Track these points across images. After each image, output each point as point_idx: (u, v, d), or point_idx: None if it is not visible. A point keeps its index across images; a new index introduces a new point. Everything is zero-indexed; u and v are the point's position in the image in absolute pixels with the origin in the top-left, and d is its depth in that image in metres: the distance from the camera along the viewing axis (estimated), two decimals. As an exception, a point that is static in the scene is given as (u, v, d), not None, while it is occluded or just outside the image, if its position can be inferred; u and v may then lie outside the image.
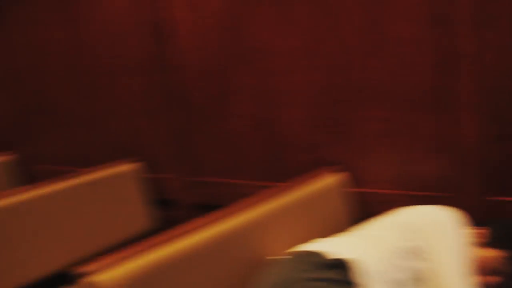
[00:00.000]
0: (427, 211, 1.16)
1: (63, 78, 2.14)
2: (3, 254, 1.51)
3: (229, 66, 1.67)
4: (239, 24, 1.61)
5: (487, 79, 1.24)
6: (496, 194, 1.30)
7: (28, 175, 2.35)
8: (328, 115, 1.51)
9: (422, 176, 1.39)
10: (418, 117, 1.35)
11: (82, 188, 1.76)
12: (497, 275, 1.08)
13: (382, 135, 1.42)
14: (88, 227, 1.75)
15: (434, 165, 1.36)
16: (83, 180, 1.77)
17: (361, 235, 1.17)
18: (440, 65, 1.29)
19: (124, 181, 1.87)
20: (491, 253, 1.10)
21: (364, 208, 1.48)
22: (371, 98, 1.42)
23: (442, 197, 1.34)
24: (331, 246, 1.05)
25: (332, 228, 1.33)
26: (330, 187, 1.43)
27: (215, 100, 1.74)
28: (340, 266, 0.99)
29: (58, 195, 1.69)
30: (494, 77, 1.23)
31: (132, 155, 1.96)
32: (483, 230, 1.15)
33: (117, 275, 0.87)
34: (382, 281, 1.01)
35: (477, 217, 1.21)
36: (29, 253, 1.58)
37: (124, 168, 1.88)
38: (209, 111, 1.76)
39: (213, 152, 1.80)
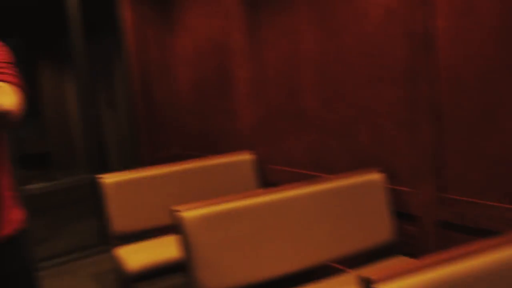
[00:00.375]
0: None
1: (311, 86, 2.29)
2: (247, 250, 1.70)
3: (499, 78, 1.54)
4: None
5: None
6: None
7: (264, 175, 2.62)
8: None
9: None
10: None
11: (326, 194, 1.85)
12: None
13: None
14: (327, 233, 1.82)
15: None
16: (327, 186, 1.87)
17: None
18: None
19: (368, 190, 1.89)
20: None
21: None
22: None
23: None
24: None
25: None
26: None
27: (478, 114, 1.61)
28: None
29: (302, 198, 1.81)
30: None
31: (374, 165, 1.97)
32: None
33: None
34: None
35: None
36: (267, 252, 1.73)
37: (368, 177, 1.91)
38: (469, 125, 1.65)
39: (468, 170, 1.68)
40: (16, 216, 1.36)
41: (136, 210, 2.47)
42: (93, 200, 3.29)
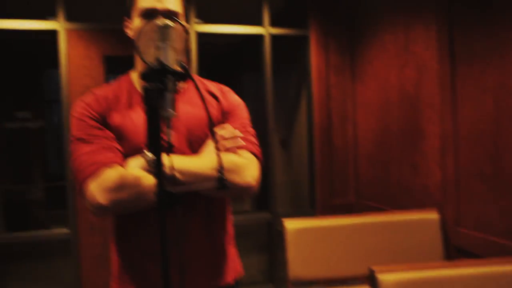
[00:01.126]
0: None
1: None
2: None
3: None
4: None
5: None
6: None
7: (449, 237, 2.41)
8: None
9: None
10: None
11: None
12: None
13: None
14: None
15: None
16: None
17: None
18: None
19: None
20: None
21: None
22: None
23: None
24: None
25: None
26: None
27: None
28: None
29: None
30: None
31: None
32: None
33: None
34: None
35: None
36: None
37: None
38: None
39: None
40: (236, 266, 1.42)
41: (314, 259, 2.49)
42: (268, 238, 3.42)
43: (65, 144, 2.83)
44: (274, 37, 3.31)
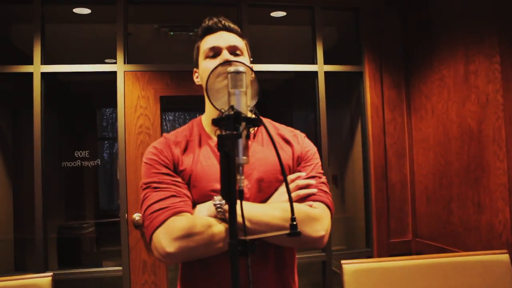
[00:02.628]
0: None
1: None
2: None
3: None
4: None
5: None
6: None
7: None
8: None
9: None
10: None
11: None
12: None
13: None
14: None
15: None
16: None
17: None
18: None
19: None
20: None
21: None
22: None
23: None
24: None
25: None
26: None
27: None
28: None
29: None
30: None
31: None
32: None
33: None
34: None
35: None
36: None
37: None
38: None
39: None
40: None
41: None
42: (323, 278, 3.32)
43: (116, 181, 2.89)
44: (327, 73, 3.30)
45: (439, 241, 3.00)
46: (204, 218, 1.16)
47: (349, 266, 2.42)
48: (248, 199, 1.22)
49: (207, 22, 1.36)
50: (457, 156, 2.79)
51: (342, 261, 2.42)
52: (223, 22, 1.35)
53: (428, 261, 2.42)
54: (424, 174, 3.17)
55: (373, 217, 3.26)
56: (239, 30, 1.39)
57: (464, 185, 2.73)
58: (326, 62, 3.30)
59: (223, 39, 1.32)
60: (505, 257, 2.36)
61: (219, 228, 1.13)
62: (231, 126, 0.96)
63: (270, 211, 1.17)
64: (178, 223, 1.14)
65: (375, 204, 3.26)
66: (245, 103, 1.01)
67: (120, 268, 2.97)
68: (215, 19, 1.35)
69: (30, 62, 2.95)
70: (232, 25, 1.36)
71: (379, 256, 3.20)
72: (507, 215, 2.40)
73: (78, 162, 3.13)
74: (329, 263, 3.22)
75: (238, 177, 0.95)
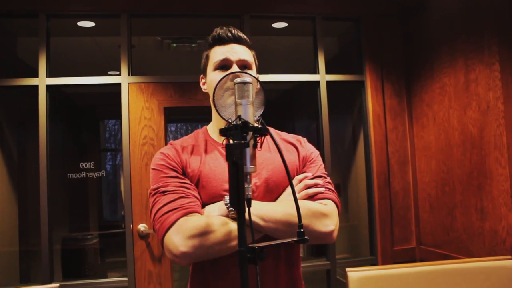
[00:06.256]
0: None
1: None
2: None
3: None
4: None
5: None
6: None
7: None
8: None
9: None
10: None
11: None
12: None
13: None
14: None
15: None
16: None
17: None
18: None
19: None
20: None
21: None
22: None
23: None
24: None
25: None
26: None
27: None
28: None
29: None
30: None
31: None
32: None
33: None
34: None
35: None
36: None
37: None
38: None
39: None
40: None
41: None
42: (327, 286, 3.32)
43: (119, 192, 2.90)
44: (329, 83, 3.34)
45: (443, 248, 3.01)
46: (218, 216, 1.18)
47: (354, 274, 2.43)
48: (256, 198, 1.25)
49: (218, 31, 1.38)
50: (459, 163, 2.81)
51: (347, 269, 2.43)
52: (234, 33, 1.37)
53: (433, 268, 2.43)
54: (426, 181, 3.19)
55: (377, 225, 3.26)
56: (249, 41, 1.41)
57: (467, 192, 2.75)
58: (327, 71, 3.33)
59: (234, 51, 1.35)
60: (509, 263, 2.37)
61: (232, 225, 1.15)
62: (238, 135, 0.99)
63: (281, 208, 1.20)
64: (191, 223, 1.14)
65: (378, 212, 3.27)
66: (252, 113, 1.04)
67: (125, 278, 2.97)
68: (226, 30, 1.37)
69: (35, 75, 2.99)
70: (243, 36, 1.39)
71: (384, 264, 3.21)
72: (511, 221, 2.41)
73: (83, 173, 3.15)
74: (333, 271, 3.23)
75: (246, 185, 0.98)
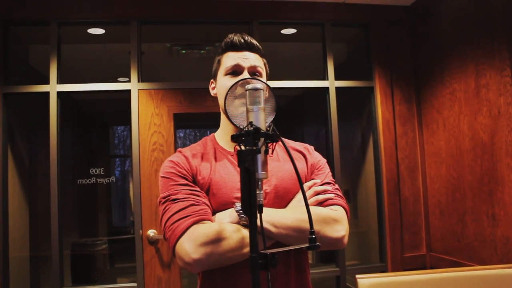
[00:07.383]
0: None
1: None
2: None
3: None
4: None
5: None
6: None
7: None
8: None
9: None
10: None
11: None
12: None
13: None
14: None
15: None
16: None
17: None
18: None
19: None
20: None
21: None
22: None
23: None
24: None
25: None
26: None
27: None
28: None
29: None
30: None
31: None
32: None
33: None
34: None
35: None
36: None
37: None
38: None
39: None
40: None
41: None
42: (337, 295, 3.30)
43: (128, 198, 2.91)
44: (338, 89, 3.33)
45: (454, 255, 2.98)
46: (230, 223, 1.18)
47: (364, 281, 2.41)
48: (265, 205, 1.25)
49: (232, 37, 1.39)
50: (470, 169, 2.79)
51: (357, 276, 2.41)
52: (247, 40, 1.38)
53: (444, 275, 2.40)
54: (436, 187, 3.16)
55: (387, 232, 3.25)
56: (261, 49, 1.42)
57: (478, 198, 2.72)
58: (336, 77, 3.33)
59: (246, 58, 1.36)
60: (522, 270, 2.34)
61: (243, 232, 1.15)
62: (250, 141, 0.99)
63: (292, 215, 1.21)
64: (203, 230, 1.14)
65: (388, 219, 3.25)
66: (263, 119, 1.04)
67: (135, 284, 2.98)
68: (240, 36, 1.39)
69: (46, 81, 3.02)
70: (255, 44, 1.40)
71: (393, 271, 3.18)
72: (522, 228, 2.39)
73: (93, 179, 3.16)
74: (343, 278, 3.21)
75: (258, 191, 0.98)
